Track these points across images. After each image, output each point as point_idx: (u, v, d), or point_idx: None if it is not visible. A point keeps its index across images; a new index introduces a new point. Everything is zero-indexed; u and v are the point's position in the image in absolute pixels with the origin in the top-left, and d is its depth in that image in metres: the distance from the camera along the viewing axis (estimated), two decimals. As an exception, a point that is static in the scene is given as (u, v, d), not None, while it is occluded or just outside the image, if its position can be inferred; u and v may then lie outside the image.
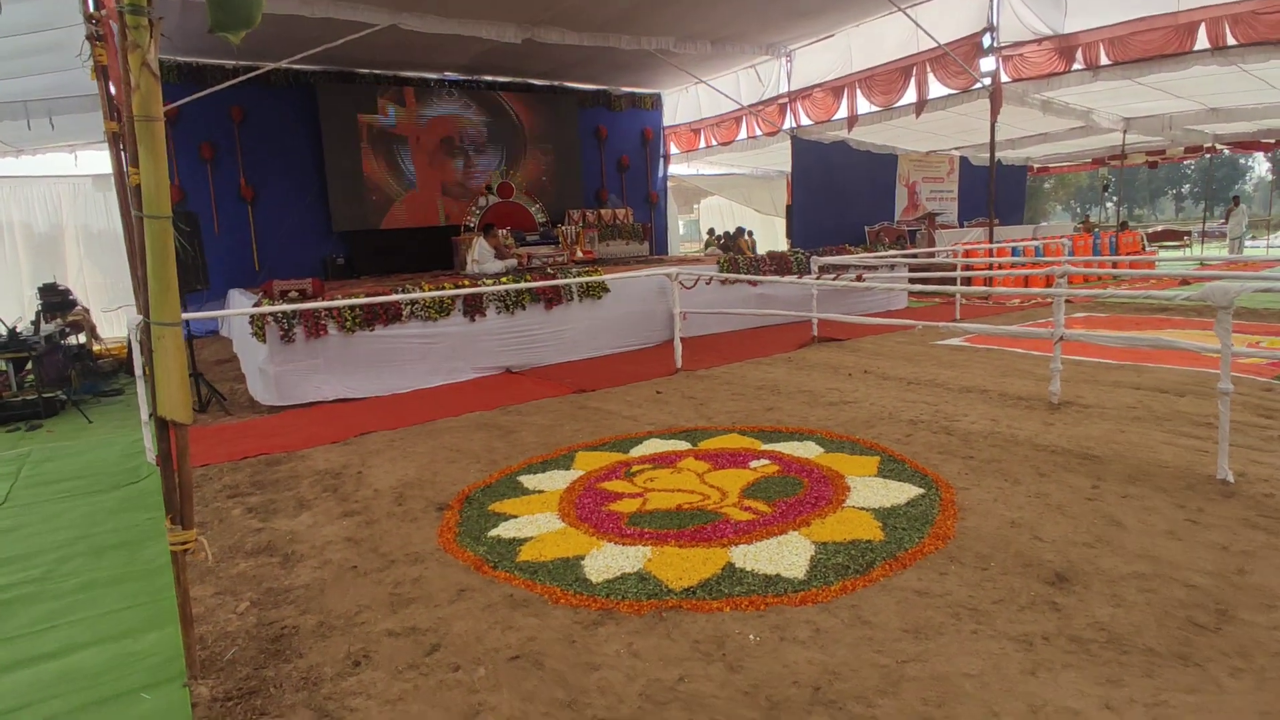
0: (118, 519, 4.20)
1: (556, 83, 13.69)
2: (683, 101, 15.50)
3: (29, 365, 8.16)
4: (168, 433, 2.52)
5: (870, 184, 14.37)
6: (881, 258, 10.01)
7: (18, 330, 7.92)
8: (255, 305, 6.76)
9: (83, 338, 9.51)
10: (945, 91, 11.36)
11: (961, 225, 15.32)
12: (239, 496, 4.39)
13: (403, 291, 6.98)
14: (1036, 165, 19.97)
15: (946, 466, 4.15)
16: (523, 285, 7.41)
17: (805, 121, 13.10)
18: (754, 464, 4.34)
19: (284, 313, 6.39)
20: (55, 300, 9.13)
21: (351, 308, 6.63)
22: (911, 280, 10.16)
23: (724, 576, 3.00)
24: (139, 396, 5.30)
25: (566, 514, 3.73)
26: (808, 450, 4.53)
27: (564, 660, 2.53)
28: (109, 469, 5.24)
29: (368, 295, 6.79)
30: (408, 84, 12.34)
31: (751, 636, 2.60)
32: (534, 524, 3.63)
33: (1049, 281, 10.95)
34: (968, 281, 10.55)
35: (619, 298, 8.32)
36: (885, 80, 11.47)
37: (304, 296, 7.10)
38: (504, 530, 3.58)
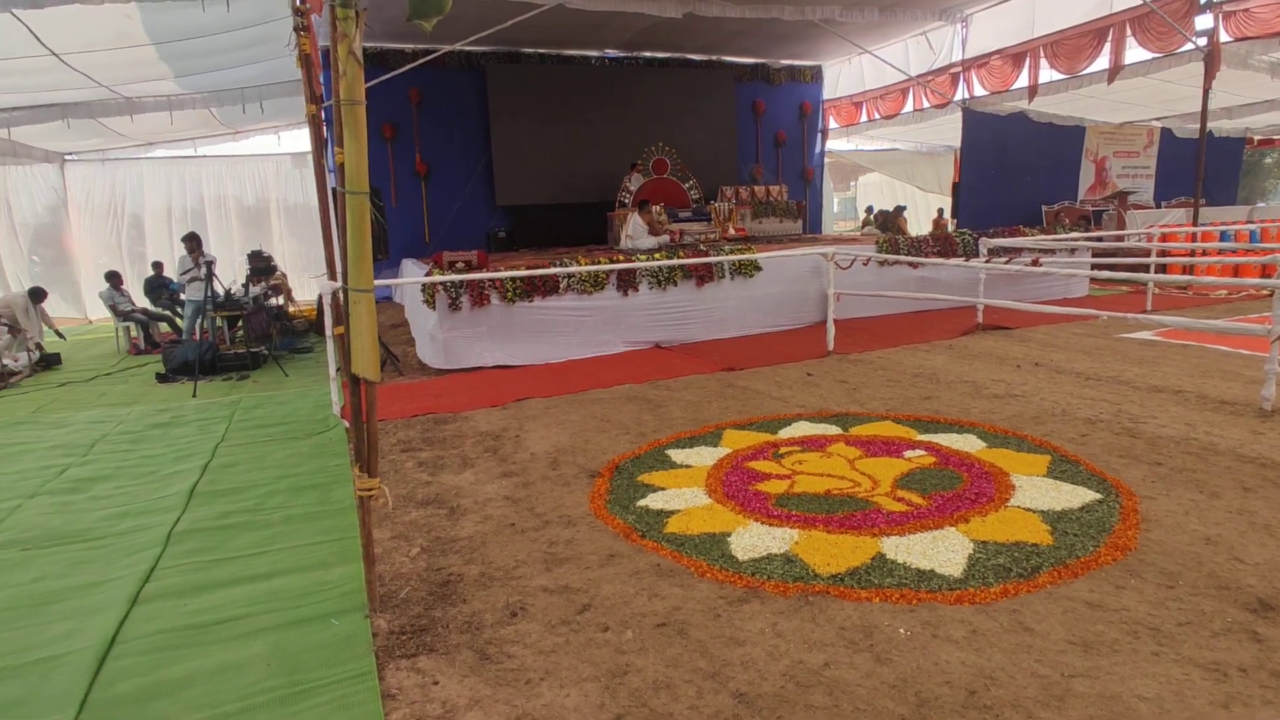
0: (312, 463, 4.70)
1: (714, 57, 13.56)
2: (845, 73, 14.87)
3: (239, 323, 9.27)
4: (359, 389, 2.78)
5: (1051, 159, 13.19)
6: (1060, 240, 9.20)
7: (232, 292, 9.00)
8: (426, 275, 7.27)
9: (281, 299, 10.64)
10: (1146, 55, 10.16)
11: (1159, 206, 13.75)
12: (411, 451, 4.78)
13: (560, 265, 7.25)
14: (1258, 137, 17.44)
15: (1129, 472, 3.80)
16: (675, 262, 7.48)
17: (979, 92, 12.18)
18: (908, 454, 4.17)
19: (452, 283, 6.83)
20: (260, 266, 10.24)
21: (513, 279, 6.97)
22: (1095, 266, 9.28)
23: (874, 566, 2.93)
24: (328, 355, 5.89)
25: (714, 490, 3.77)
26: (968, 443, 4.30)
27: (708, 632, 2.58)
28: (303, 418, 5.86)
29: (528, 268, 7.10)
30: (570, 62, 12.68)
31: (901, 630, 2.53)
32: (681, 497, 3.70)
33: (1266, 271, 9.63)
34: (1163, 269, 9.48)
35: (771, 276, 8.20)
36: (1074, 44, 10.42)
37: (470, 268, 7.54)
38: (652, 501, 3.68)
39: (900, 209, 15.09)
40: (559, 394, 5.98)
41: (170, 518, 3.84)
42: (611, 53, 12.92)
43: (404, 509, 3.81)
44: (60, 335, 9.75)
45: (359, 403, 2.77)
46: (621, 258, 7.69)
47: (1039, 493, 3.56)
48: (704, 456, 4.30)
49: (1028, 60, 11.14)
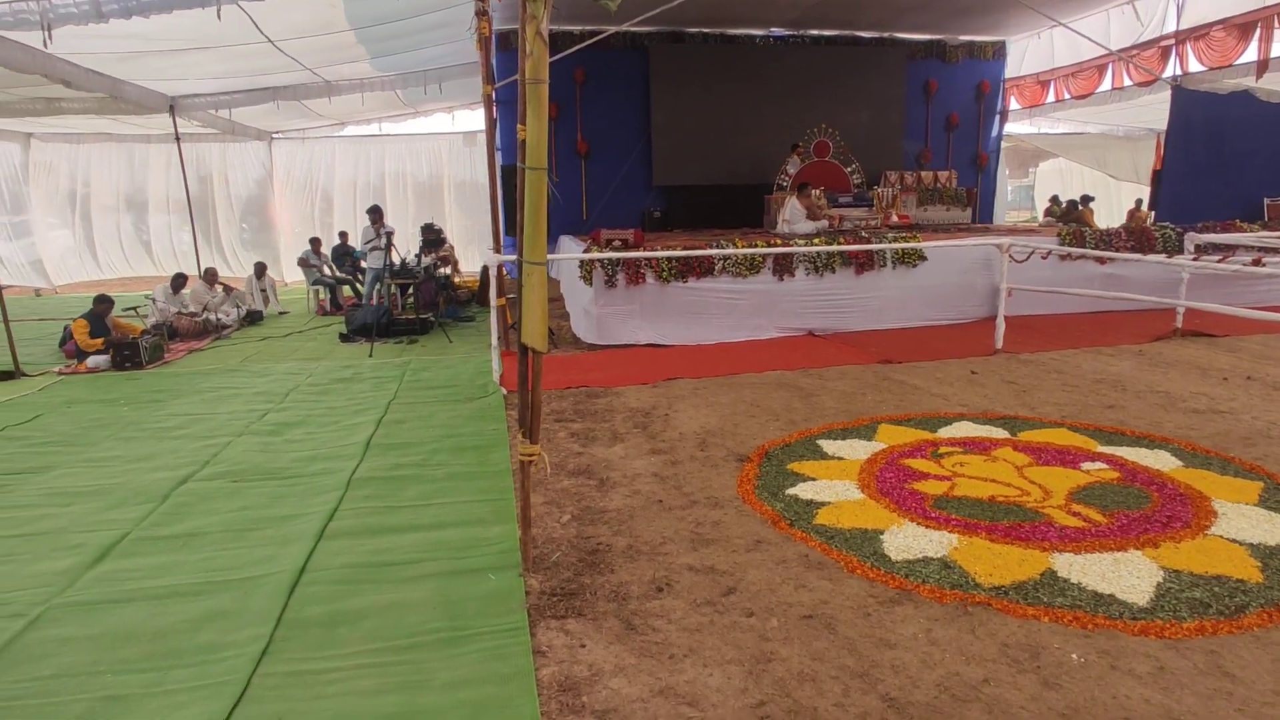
0: (472, 425, 4.99)
1: (886, 34, 12.90)
2: (1032, 49, 13.68)
3: (410, 290, 9.97)
4: (526, 358, 2.89)
5: (1278, 145, 11.51)
6: (1287, 238, 8.03)
7: (406, 262, 9.69)
8: (585, 252, 7.46)
9: (449, 270, 11.33)
10: None
11: None
12: (563, 421, 4.95)
13: (717, 247, 7.21)
14: None
15: (1366, 508, 3.28)
16: (834, 248, 7.24)
17: (1195, 68, 10.80)
18: (1087, 466, 3.83)
19: (609, 260, 6.97)
20: (431, 238, 10.94)
21: (669, 259, 7.02)
22: (1329, 269, 8.03)
23: (1043, 583, 2.72)
24: (490, 324, 6.20)
25: (866, 485, 3.64)
26: (1159, 461, 3.88)
27: (857, 630, 2.50)
28: (465, 383, 6.22)
29: (684, 249, 7.12)
30: (734, 41, 12.51)
31: (1074, 655, 2.33)
32: (832, 489, 3.60)
33: None
34: None
35: (936, 267, 7.75)
36: (1322, 11, 9.00)
37: (626, 246, 7.67)
38: (801, 490, 3.60)
39: (1087, 199, 13.76)
40: (709, 376, 5.98)
41: (351, 465, 4.21)
42: (777, 31, 12.61)
43: (556, 477, 3.96)
44: (267, 308, 10.89)
45: (525, 371, 2.88)
46: (778, 242, 7.53)
47: (1247, 523, 3.16)
48: (857, 449, 4.15)
49: (1257, 30, 9.74)
